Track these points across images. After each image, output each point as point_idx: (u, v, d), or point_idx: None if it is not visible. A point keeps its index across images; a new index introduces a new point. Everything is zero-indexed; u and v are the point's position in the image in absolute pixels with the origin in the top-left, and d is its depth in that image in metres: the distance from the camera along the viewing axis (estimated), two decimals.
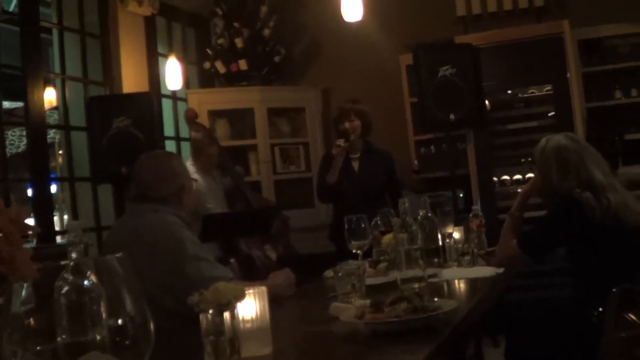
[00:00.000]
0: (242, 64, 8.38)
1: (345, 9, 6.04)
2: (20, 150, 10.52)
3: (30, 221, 6.54)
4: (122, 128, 6.50)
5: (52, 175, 8.95)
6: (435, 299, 2.57)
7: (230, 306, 2.05)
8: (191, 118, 6.93)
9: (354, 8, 6.03)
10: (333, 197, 6.50)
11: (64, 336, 1.38)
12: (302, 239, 7.68)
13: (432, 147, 8.22)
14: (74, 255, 1.45)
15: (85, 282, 1.42)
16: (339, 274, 3.12)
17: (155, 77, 7.82)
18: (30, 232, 1.37)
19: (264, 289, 2.34)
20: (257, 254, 6.78)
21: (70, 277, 1.41)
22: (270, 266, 6.64)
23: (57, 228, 8.58)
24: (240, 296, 2.08)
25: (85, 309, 1.40)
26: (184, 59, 8.41)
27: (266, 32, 8.51)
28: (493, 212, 7.41)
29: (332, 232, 6.44)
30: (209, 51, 8.57)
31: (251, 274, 6.21)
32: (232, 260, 4.88)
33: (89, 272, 1.43)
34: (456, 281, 3.77)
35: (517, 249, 4.04)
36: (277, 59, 8.53)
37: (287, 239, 7.45)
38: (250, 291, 2.26)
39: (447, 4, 8.21)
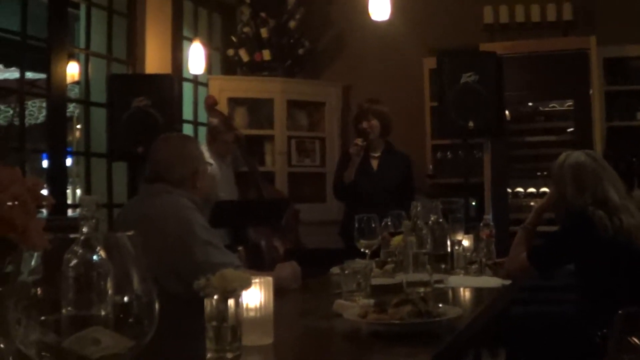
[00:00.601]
0: (266, 54, 8.39)
1: (373, 8, 6.03)
2: (38, 121, 10.54)
3: (45, 192, 6.57)
4: (142, 108, 6.53)
5: (69, 149, 8.98)
6: (440, 305, 2.56)
7: (236, 294, 2.05)
8: (210, 105, 6.95)
9: (382, 7, 6.02)
10: (348, 196, 6.52)
11: (69, 308, 1.38)
12: (311, 233, 7.69)
13: (448, 152, 8.21)
14: (85, 229, 1.45)
15: (94, 257, 1.42)
16: (346, 272, 3.12)
17: (178, 60, 7.83)
18: (44, 203, 1.38)
19: (269, 279, 2.34)
20: (265, 244, 6.79)
21: (80, 251, 1.41)
22: (277, 258, 6.65)
23: (69, 201, 8.64)
24: (246, 284, 2.08)
25: (92, 284, 1.41)
26: (208, 45, 8.41)
27: (292, 24, 8.51)
28: (504, 223, 7.39)
29: (342, 229, 6.44)
30: (233, 38, 8.59)
31: (258, 264, 6.22)
32: (239, 248, 4.89)
33: (98, 248, 1.44)
34: (462, 289, 3.76)
35: (527, 262, 4.05)
36: (300, 51, 8.53)
37: (296, 232, 7.46)
38: (257, 280, 2.27)
39: (474, 11, 8.18)
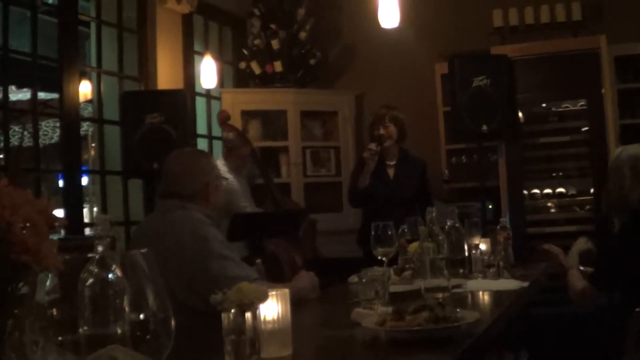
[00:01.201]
0: (277, 66, 8.40)
1: (382, 15, 6.03)
2: (53, 141, 10.58)
3: (60, 212, 6.60)
4: (155, 124, 6.53)
5: (84, 168, 9.02)
6: (458, 310, 2.56)
7: (253, 307, 2.06)
8: (223, 120, 6.98)
9: (391, 14, 6.01)
10: (363, 202, 6.51)
11: (85, 328, 1.39)
12: (328, 243, 7.69)
13: (463, 157, 8.19)
14: (100, 248, 1.46)
15: (110, 276, 1.43)
16: (363, 280, 3.12)
17: (190, 74, 7.85)
18: (57, 224, 1.38)
19: (286, 291, 2.34)
20: (283, 255, 6.80)
21: (95, 270, 1.42)
22: (295, 268, 6.65)
23: (86, 220, 8.67)
24: (263, 297, 2.09)
25: (108, 302, 1.42)
26: (219, 58, 8.43)
27: (302, 34, 8.53)
28: (522, 225, 7.40)
29: (360, 237, 6.43)
30: (244, 51, 8.60)
31: (276, 276, 6.22)
32: (258, 260, 4.88)
33: (114, 266, 1.45)
34: (480, 293, 3.76)
35: (594, 290, 4.02)
36: (312, 62, 8.54)
37: (314, 242, 7.46)
38: (273, 292, 2.27)
39: (484, 15, 8.17)
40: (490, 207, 7.56)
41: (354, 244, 6.63)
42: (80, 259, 1.44)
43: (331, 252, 7.55)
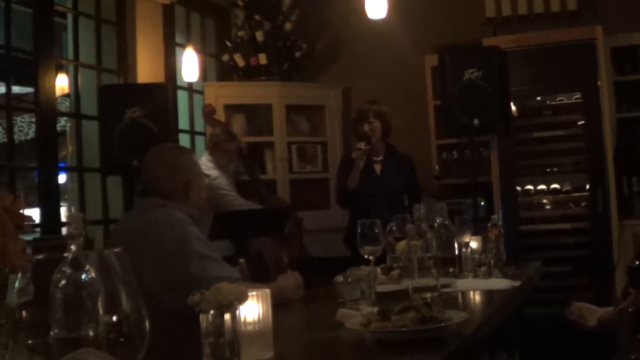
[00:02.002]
0: (262, 58, 8.39)
1: (369, 6, 6.03)
2: (29, 137, 10.56)
3: (35, 212, 6.59)
4: (135, 119, 6.52)
5: (62, 165, 9.00)
6: (446, 311, 2.57)
7: (232, 308, 2.06)
8: (209, 114, 7.00)
9: (379, 5, 6.01)
10: (351, 202, 6.52)
11: (56, 330, 1.39)
12: (315, 241, 7.71)
13: (454, 152, 8.20)
14: (73, 248, 1.46)
15: (84, 277, 1.44)
16: (349, 280, 3.13)
17: (171, 67, 7.84)
18: (26, 223, 1.39)
19: (267, 291, 2.35)
20: (268, 254, 6.81)
21: (69, 271, 1.42)
22: (282, 267, 6.66)
23: (63, 219, 8.65)
24: (243, 298, 2.09)
25: (81, 304, 1.42)
26: (201, 51, 8.44)
27: (288, 26, 8.52)
28: (515, 222, 7.41)
29: (347, 236, 6.43)
30: (228, 43, 8.60)
31: (262, 275, 6.23)
32: (241, 260, 4.88)
33: (87, 267, 1.45)
34: (470, 292, 3.77)
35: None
36: (298, 54, 8.54)
37: (300, 241, 7.48)
38: (253, 293, 2.28)
39: (475, 5, 8.13)
40: (482, 203, 7.58)
41: (341, 242, 6.65)
42: (52, 259, 1.44)
43: (318, 251, 7.57)
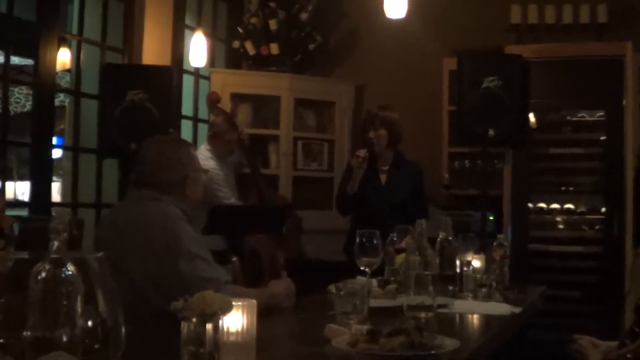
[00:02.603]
0: (274, 48, 8.41)
1: (388, 4, 5.99)
2: (25, 109, 10.56)
3: (23, 185, 6.58)
4: (137, 101, 6.54)
5: (59, 142, 9.02)
6: (437, 336, 2.58)
7: (215, 318, 2.08)
8: (213, 102, 7.01)
9: (398, 4, 5.98)
10: (351, 209, 6.49)
11: (31, 330, 1.41)
12: (315, 243, 7.73)
13: (466, 161, 8.20)
14: (55, 244, 1.48)
15: (64, 272, 1.45)
16: (341, 292, 3.15)
17: (178, 50, 7.84)
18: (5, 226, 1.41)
19: (253, 302, 2.37)
20: (264, 253, 6.83)
21: (49, 266, 1.44)
22: (277, 268, 6.68)
23: (56, 198, 8.68)
24: (227, 308, 2.11)
25: (59, 302, 1.43)
26: (211, 35, 8.45)
27: (303, 16, 8.53)
28: (524, 241, 7.42)
29: (347, 244, 6.35)
30: (239, 29, 8.61)
31: (255, 275, 6.25)
32: (234, 259, 4.90)
33: (69, 263, 1.46)
34: (468, 315, 3.78)
35: None
36: (311, 46, 8.55)
37: (298, 241, 7.50)
38: (239, 303, 2.30)
39: (500, 10, 8.13)
40: (491, 218, 7.57)
41: (342, 245, 6.63)
42: (27, 260, 1.46)
43: (317, 253, 7.60)
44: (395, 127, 6.46)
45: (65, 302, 1.44)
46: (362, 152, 6.27)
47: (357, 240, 3.85)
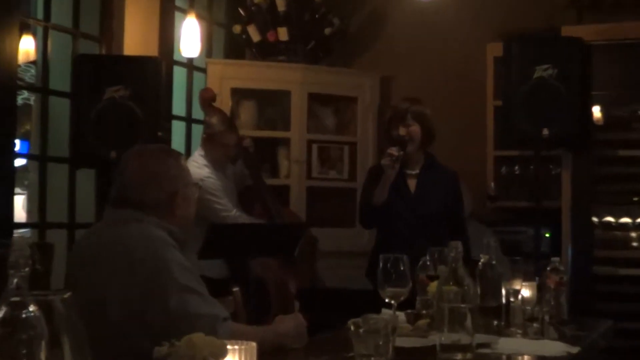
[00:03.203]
0: (282, 33, 8.42)
1: None
2: None
3: None
4: (117, 100, 6.55)
5: (24, 149, 9.05)
6: None
7: None
8: (207, 101, 7.04)
9: None
10: (378, 222, 6.46)
11: None
12: (333, 268, 7.75)
13: (516, 167, 8.20)
14: (14, 281, 1.52)
15: (24, 314, 1.48)
16: (361, 330, 3.17)
17: (168, 38, 7.86)
18: None
19: (254, 345, 2.39)
20: (272, 282, 6.86)
21: (6, 308, 1.47)
22: (287, 299, 6.72)
23: (21, 218, 8.71)
24: (221, 354, 2.14)
25: (19, 349, 1.46)
26: (207, 19, 8.49)
27: None
28: (588, 263, 7.38)
29: (369, 268, 6.33)
30: (241, 12, 8.64)
31: (262, 308, 6.29)
32: (235, 289, 4.94)
33: (30, 305, 1.50)
34: (517, 357, 3.78)
35: None
36: (327, 31, 8.56)
37: (314, 266, 7.51)
38: (235, 347, 2.33)
39: None
40: (547, 235, 7.57)
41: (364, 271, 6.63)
42: None
43: (336, 281, 7.61)
44: (429, 123, 6.46)
45: (24, 350, 1.47)
46: (395, 150, 6.20)
47: (381, 265, 3.83)
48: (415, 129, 6.36)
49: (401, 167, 6.32)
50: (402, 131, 6.36)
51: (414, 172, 6.48)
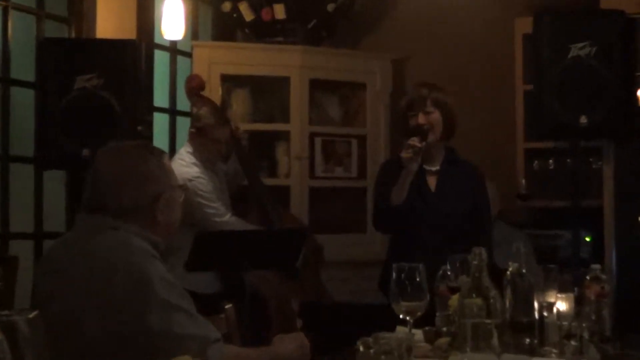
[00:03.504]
0: (279, 11, 8.43)
1: None
2: None
3: None
4: (90, 90, 6.55)
5: None
6: None
7: None
8: (194, 90, 7.04)
9: None
10: (397, 225, 6.34)
11: None
12: (341, 279, 7.77)
13: (550, 161, 8.20)
14: None
15: None
16: (371, 351, 3.19)
17: (147, 18, 7.90)
18: None
19: None
20: (270, 297, 6.87)
21: None
22: (288, 316, 6.73)
23: None
24: None
25: None
26: None
27: None
28: (633, 271, 7.38)
29: (383, 278, 6.31)
30: None
31: (258, 326, 6.29)
32: (228, 305, 4.96)
33: None
34: None
35: None
36: (330, 7, 8.57)
37: (319, 279, 7.52)
38: None
39: None
40: (587, 239, 7.57)
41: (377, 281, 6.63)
42: None
43: (344, 294, 7.63)
44: (451, 111, 6.37)
45: None
46: (417, 141, 6.08)
47: (394, 276, 3.80)
48: (436, 116, 6.27)
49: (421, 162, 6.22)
50: (421, 119, 6.24)
51: (433, 169, 6.38)
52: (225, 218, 6.88)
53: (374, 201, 6.59)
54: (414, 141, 6.09)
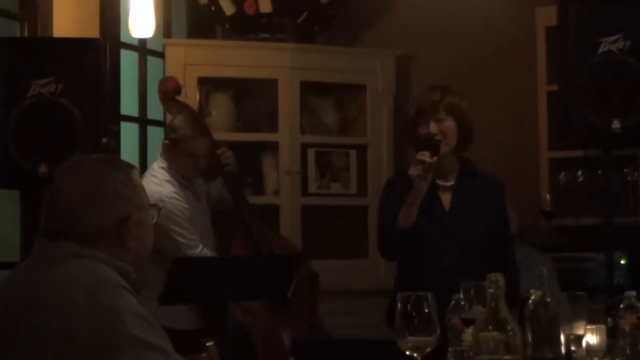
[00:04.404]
0: (264, 3, 8.46)
1: None
2: None
3: None
4: (47, 97, 6.56)
5: None
6: None
7: None
8: (168, 94, 7.06)
9: None
10: (405, 251, 6.30)
11: None
12: (339, 312, 7.79)
13: (578, 172, 8.23)
14: None
15: None
16: None
17: (112, 14, 7.93)
18: None
19: None
20: (258, 332, 6.90)
21: None
22: (278, 354, 6.77)
23: None
24: None
25: None
26: None
27: None
28: None
29: (391, 310, 6.21)
30: None
31: None
32: (209, 343, 5.00)
33: None
34: None
35: None
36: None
37: (314, 310, 7.54)
38: None
39: None
40: (622, 262, 7.59)
41: (383, 315, 6.63)
42: None
43: (344, 329, 7.64)
44: (467, 118, 6.34)
45: None
46: (428, 156, 6.02)
47: (399, 307, 3.80)
48: (449, 125, 6.24)
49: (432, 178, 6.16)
50: (433, 128, 6.19)
51: (447, 184, 6.36)
52: (196, 251, 6.87)
53: (379, 224, 6.53)
54: (424, 156, 6.04)
